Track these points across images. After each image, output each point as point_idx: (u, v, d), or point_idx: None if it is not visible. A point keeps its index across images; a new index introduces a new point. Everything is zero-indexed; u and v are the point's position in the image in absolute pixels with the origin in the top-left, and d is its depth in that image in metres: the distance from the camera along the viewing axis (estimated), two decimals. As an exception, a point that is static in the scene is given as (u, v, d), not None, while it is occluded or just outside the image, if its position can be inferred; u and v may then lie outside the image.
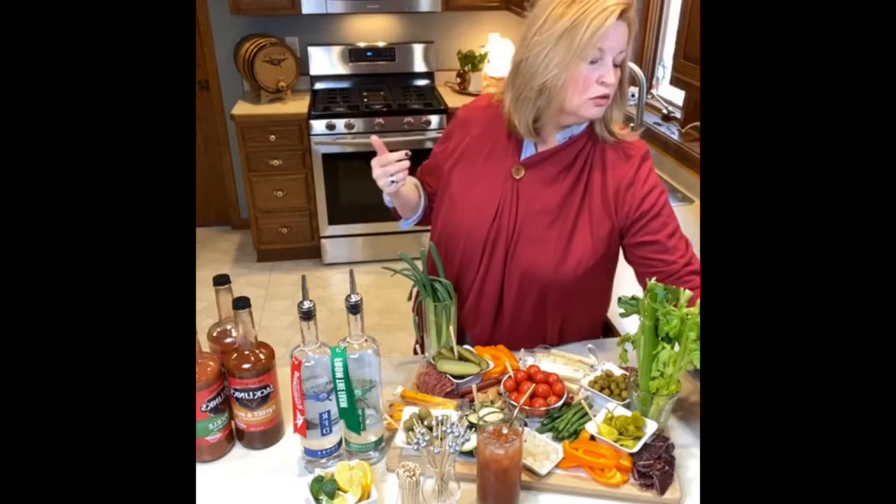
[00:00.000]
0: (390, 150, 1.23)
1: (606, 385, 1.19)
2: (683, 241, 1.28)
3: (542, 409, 1.13)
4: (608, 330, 1.52)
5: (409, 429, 1.06)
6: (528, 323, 1.34)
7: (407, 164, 1.23)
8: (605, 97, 1.17)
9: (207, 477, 1.07)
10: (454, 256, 1.33)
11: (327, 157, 3.44)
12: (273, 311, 3.35)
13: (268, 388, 1.08)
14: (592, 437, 1.07)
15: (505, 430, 0.95)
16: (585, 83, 1.15)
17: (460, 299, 1.35)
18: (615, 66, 1.16)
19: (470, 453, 1.03)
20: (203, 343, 1.10)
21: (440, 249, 1.34)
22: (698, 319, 1.03)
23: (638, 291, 1.12)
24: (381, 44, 3.81)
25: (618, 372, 1.21)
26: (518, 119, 1.24)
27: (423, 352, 1.32)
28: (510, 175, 1.29)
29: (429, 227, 1.46)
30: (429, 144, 3.43)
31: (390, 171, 1.22)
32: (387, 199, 1.40)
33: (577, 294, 1.31)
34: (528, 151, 1.30)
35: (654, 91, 2.86)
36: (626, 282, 1.58)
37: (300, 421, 1.04)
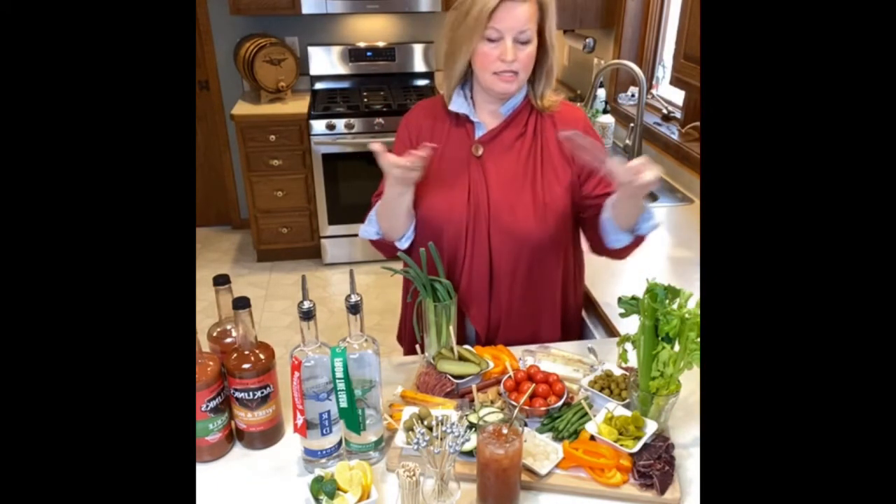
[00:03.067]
0: (389, 150, 1.23)
1: (606, 385, 1.19)
2: None
3: (542, 409, 1.13)
4: (607, 328, 1.52)
5: (409, 429, 1.06)
6: (522, 293, 1.37)
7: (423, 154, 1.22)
8: (510, 73, 1.26)
9: (207, 477, 1.07)
10: (440, 247, 1.35)
11: (327, 157, 3.44)
12: (273, 311, 3.35)
13: (268, 388, 1.08)
14: (592, 437, 1.07)
15: (505, 430, 0.95)
16: (487, 59, 1.26)
17: (453, 286, 1.36)
18: (521, 43, 1.24)
19: (470, 453, 1.03)
20: (203, 343, 1.10)
21: (424, 247, 1.34)
22: (698, 319, 1.03)
23: (638, 291, 1.11)
24: (381, 44, 3.81)
25: (618, 372, 1.21)
26: (446, 87, 1.36)
27: (423, 352, 1.32)
28: (471, 155, 1.36)
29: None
30: (429, 144, 3.43)
31: (408, 169, 1.20)
32: (372, 230, 1.41)
33: (559, 248, 1.37)
34: (480, 131, 1.37)
35: (654, 91, 2.86)
36: (626, 282, 1.58)
37: (300, 421, 1.04)
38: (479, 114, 1.37)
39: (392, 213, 1.36)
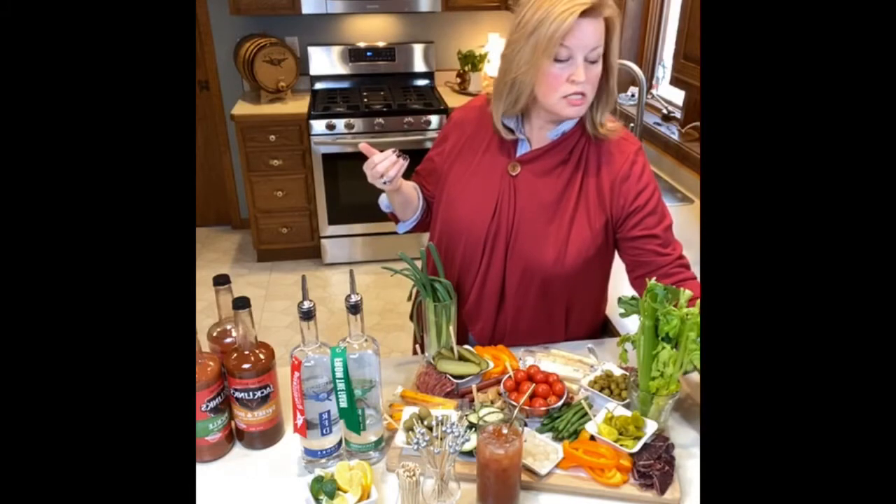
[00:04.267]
0: (390, 150, 1.24)
1: (606, 385, 1.19)
2: (674, 236, 1.31)
3: (542, 409, 1.13)
4: (608, 330, 1.52)
5: (409, 429, 1.06)
6: (530, 318, 1.34)
7: (395, 160, 1.23)
8: (579, 95, 1.18)
9: (207, 477, 1.07)
10: (455, 255, 1.34)
11: (327, 157, 3.45)
12: (273, 311, 3.35)
13: (268, 388, 1.08)
14: (592, 437, 1.07)
15: (505, 430, 0.95)
16: (556, 81, 1.17)
17: (462, 298, 1.36)
18: (591, 62, 1.16)
19: (470, 453, 1.03)
20: (203, 343, 1.10)
21: (441, 250, 1.34)
22: (698, 319, 1.03)
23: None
24: (381, 44, 3.81)
25: (618, 372, 1.21)
26: (494, 112, 1.28)
27: (423, 352, 1.32)
28: (507, 172, 1.30)
29: (425, 232, 1.47)
30: (428, 144, 3.43)
31: (380, 172, 1.22)
32: (384, 203, 1.43)
33: (577, 286, 1.32)
34: (523, 149, 1.31)
35: (654, 91, 2.86)
36: (626, 282, 1.58)
37: (300, 421, 1.04)
38: (527, 130, 1.30)
39: (392, 201, 1.40)
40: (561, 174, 1.28)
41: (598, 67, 1.18)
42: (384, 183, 1.24)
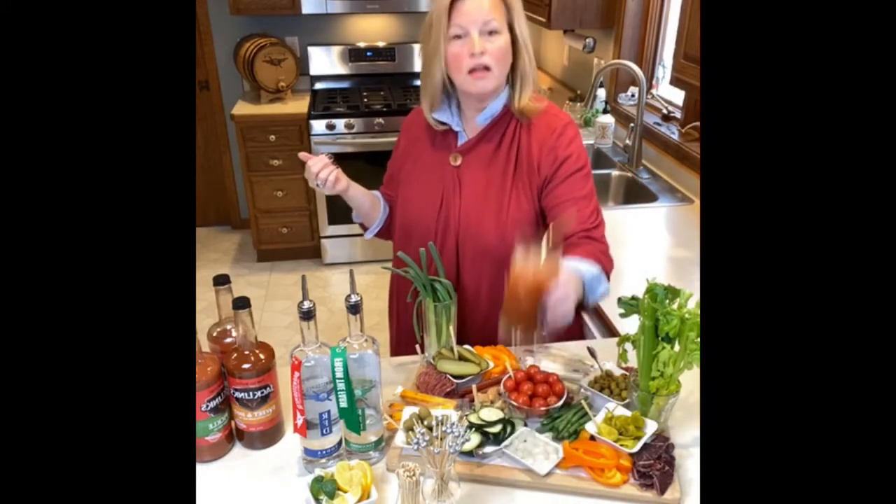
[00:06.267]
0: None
1: (606, 385, 1.19)
2: (587, 211, 1.29)
3: (542, 409, 1.13)
4: (607, 328, 1.52)
5: (409, 429, 1.06)
6: (487, 305, 1.36)
7: (326, 164, 1.32)
8: (482, 68, 1.22)
9: (207, 477, 1.07)
10: (409, 253, 1.34)
11: (327, 158, 3.45)
12: (273, 311, 3.35)
13: (268, 388, 1.08)
14: (592, 437, 1.07)
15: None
16: (458, 59, 1.23)
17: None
18: (488, 34, 1.21)
19: (470, 453, 1.03)
20: (203, 343, 1.10)
21: (401, 250, 1.37)
22: (698, 319, 1.03)
23: (638, 291, 1.11)
24: (381, 44, 3.82)
25: (618, 372, 1.21)
26: (423, 105, 1.35)
27: (423, 352, 1.32)
28: (449, 164, 1.35)
29: (390, 240, 1.51)
30: (429, 144, 3.43)
31: (314, 172, 1.31)
32: (354, 215, 1.51)
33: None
34: (462, 140, 1.35)
35: (654, 91, 2.86)
36: (626, 282, 1.58)
37: (300, 421, 1.04)
38: (464, 122, 1.35)
39: (352, 204, 1.45)
40: (497, 158, 1.32)
41: (500, 40, 1.22)
42: (317, 185, 1.31)
